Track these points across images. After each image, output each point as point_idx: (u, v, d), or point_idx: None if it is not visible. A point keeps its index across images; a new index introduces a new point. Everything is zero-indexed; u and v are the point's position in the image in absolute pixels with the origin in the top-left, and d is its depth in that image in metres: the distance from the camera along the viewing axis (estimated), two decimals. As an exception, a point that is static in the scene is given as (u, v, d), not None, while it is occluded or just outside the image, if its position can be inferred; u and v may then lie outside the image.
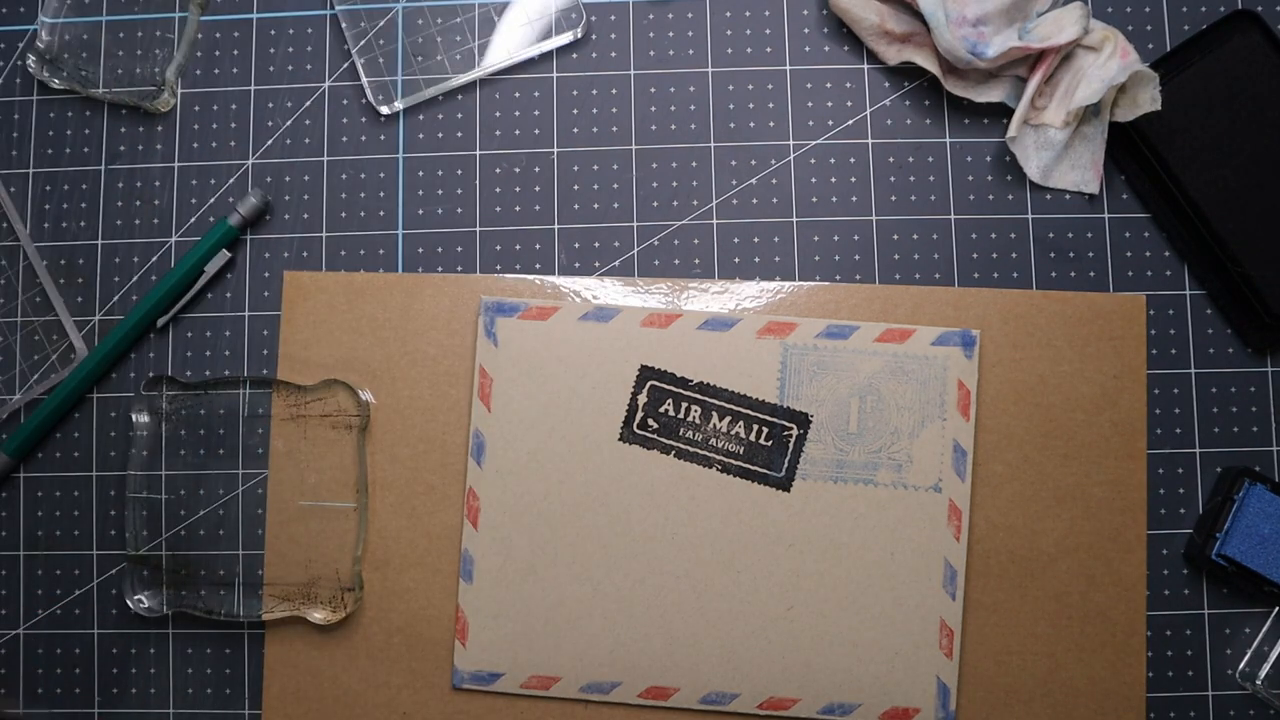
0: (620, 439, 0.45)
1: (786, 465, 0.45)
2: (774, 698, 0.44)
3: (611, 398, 0.45)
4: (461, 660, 0.45)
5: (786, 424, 0.45)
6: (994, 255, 0.47)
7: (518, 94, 0.48)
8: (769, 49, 0.48)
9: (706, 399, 0.45)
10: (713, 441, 0.45)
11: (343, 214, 0.48)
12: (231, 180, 0.48)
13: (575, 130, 0.48)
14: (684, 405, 0.45)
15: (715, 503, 0.45)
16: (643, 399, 0.45)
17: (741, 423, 0.45)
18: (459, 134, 0.48)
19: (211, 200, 0.48)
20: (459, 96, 0.48)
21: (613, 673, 0.45)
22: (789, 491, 0.45)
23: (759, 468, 0.45)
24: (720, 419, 0.45)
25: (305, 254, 0.48)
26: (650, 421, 0.45)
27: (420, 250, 0.48)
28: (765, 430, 0.45)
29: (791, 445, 0.45)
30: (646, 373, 0.45)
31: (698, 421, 0.45)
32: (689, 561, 0.45)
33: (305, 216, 0.48)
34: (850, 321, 0.45)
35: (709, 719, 0.45)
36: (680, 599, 0.45)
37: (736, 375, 0.45)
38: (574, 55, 0.48)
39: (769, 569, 0.45)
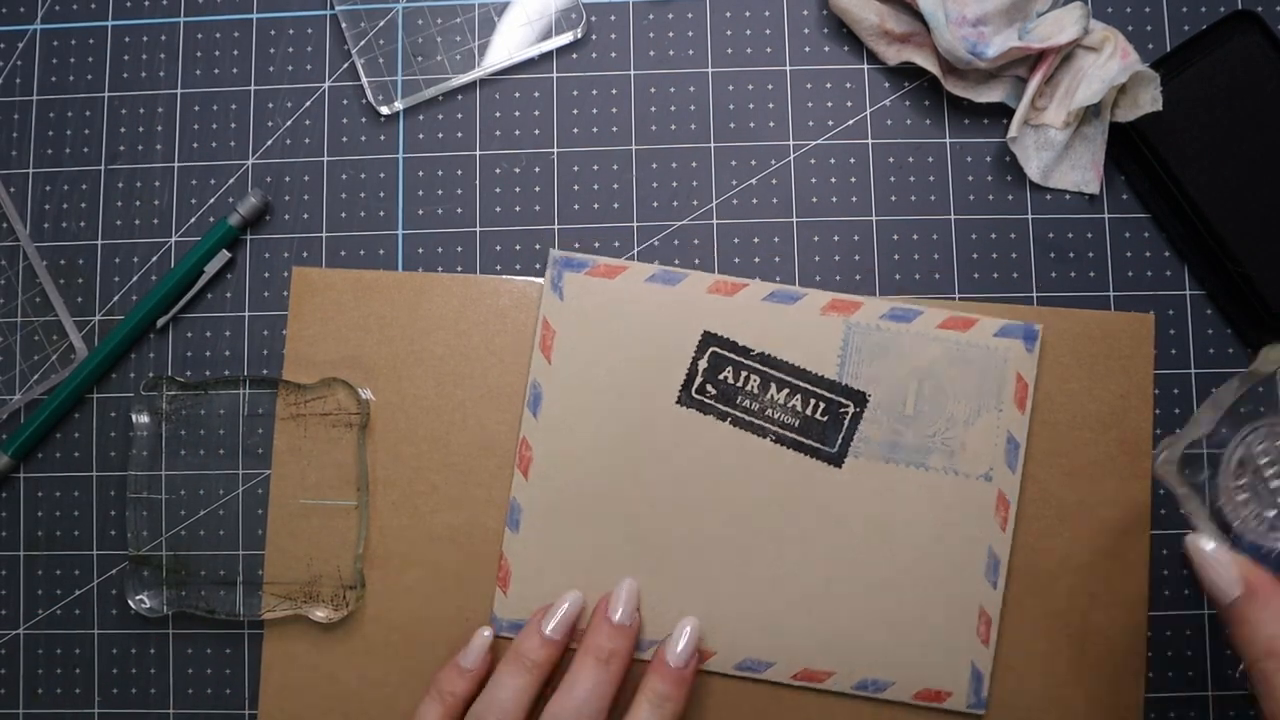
0: (678, 402, 0.45)
1: (840, 442, 0.45)
2: (808, 669, 0.44)
3: (672, 360, 0.45)
4: (502, 609, 0.45)
5: (844, 401, 0.45)
6: (994, 255, 0.47)
7: (518, 94, 0.48)
8: (769, 49, 0.48)
9: (766, 369, 0.45)
10: (769, 412, 0.45)
11: (343, 214, 0.48)
12: (231, 180, 0.48)
13: (575, 130, 0.48)
14: (743, 374, 0.45)
15: (766, 472, 0.45)
16: (703, 364, 0.45)
17: (799, 396, 0.45)
18: (459, 134, 0.48)
19: (211, 200, 0.48)
20: (459, 96, 0.48)
21: (651, 631, 0.45)
22: (840, 468, 0.45)
23: (813, 442, 0.45)
24: (778, 390, 0.45)
25: (305, 254, 0.48)
26: (709, 387, 0.45)
27: (420, 250, 0.48)
28: (822, 405, 0.45)
29: (847, 422, 0.45)
30: (709, 339, 0.45)
31: (756, 391, 0.45)
32: (735, 528, 0.45)
33: (305, 216, 0.48)
34: (915, 305, 0.45)
35: (743, 685, 0.45)
36: (724, 564, 0.45)
37: (798, 349, 0.45)
38: (574, 55, 0.48)
39: (814, 542, 0.45)
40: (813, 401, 0.45)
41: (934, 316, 0.45)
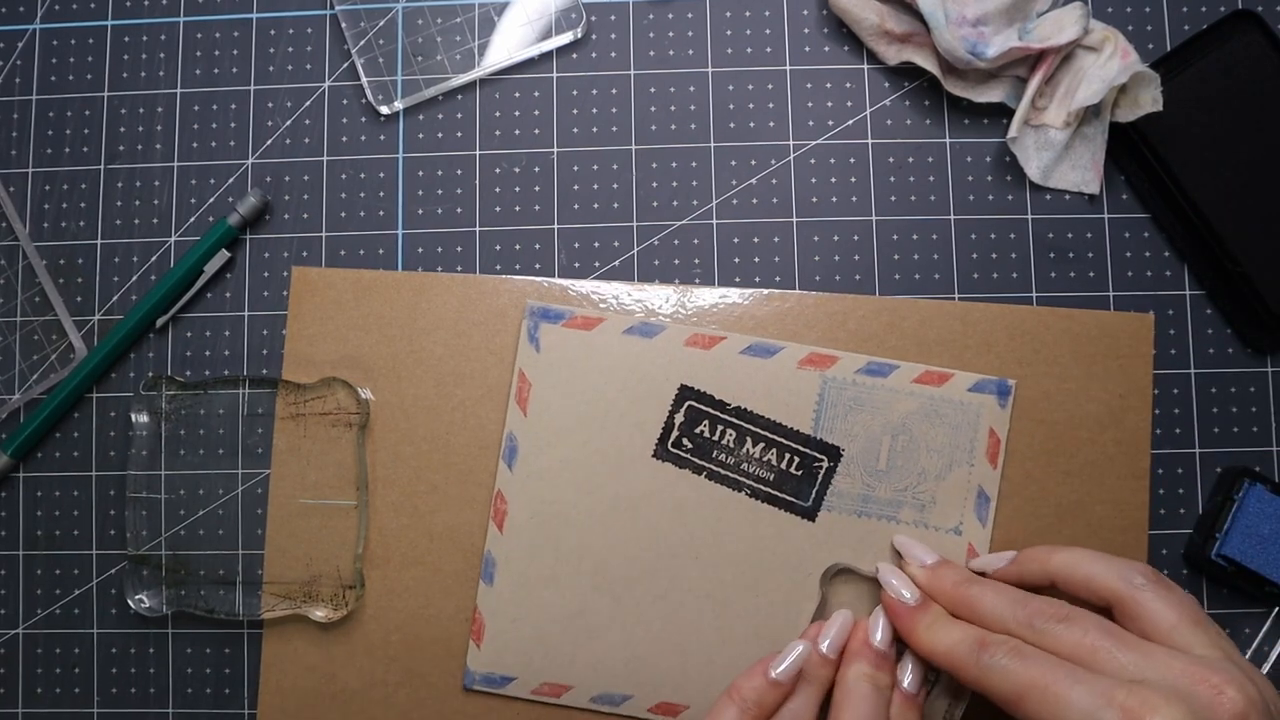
0: (654, 455, 0.45)
1: (814, 496, 0.45)
2: None
3: (648, 414, 0.45)
4: (475, 661, 0.45)
5: (818, 455, 0.45)
6: (994, 256, 0.47)
7: (518, 94, 0.48)
8: (769, 49, 0.48)
9: (742, 424, 0.45)
10: (744, 466, 0.45)
11: (343, 214, 0.48)
12: (231, 180, 0.48)
13: (575, 130, 0.48)
14: (719, 428, 0.45)
15: (741, 526, 0.45)
16: (679, 418, 0.45)
17: (774, 450, 0.45)
18: (459, 134, 0.48)
19: (211, 200, 0.48)
20: (459, 96, 0.48)
21: (625, 685, 0.45)
22: (814, 521, 0.45)
23: (787, 495, 0.45)
24: (754, 444, 0.45)
25: (305, 254, 0.48)
26: (685, 441, 0.45)
27: (420, 250, 0.48)
28: (796, 460, 0.45)
29: (820, 476, 0.45)
30: (685, 392, 0.45)
31: (731, 445, 0.45)
32: (710, 582, 0.45)
33: (305, 216, 0.48)
34: (891, 360, 0.45)
35: None
36: (698, 618, 0.45)
37: (774, 403, 0.45)
38: (574, 55, 0.48)
39: (788, 595, 0.45)
40: (788, 456, 0.45)
41: (909, 371, 0.45)
